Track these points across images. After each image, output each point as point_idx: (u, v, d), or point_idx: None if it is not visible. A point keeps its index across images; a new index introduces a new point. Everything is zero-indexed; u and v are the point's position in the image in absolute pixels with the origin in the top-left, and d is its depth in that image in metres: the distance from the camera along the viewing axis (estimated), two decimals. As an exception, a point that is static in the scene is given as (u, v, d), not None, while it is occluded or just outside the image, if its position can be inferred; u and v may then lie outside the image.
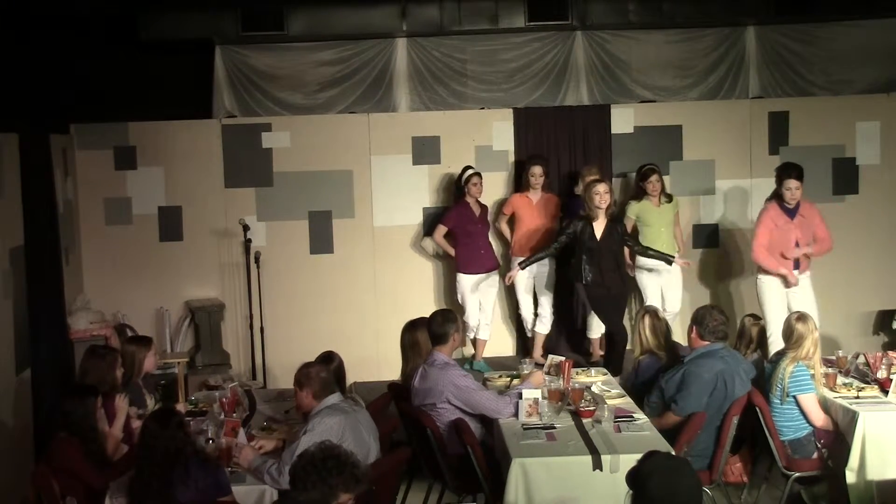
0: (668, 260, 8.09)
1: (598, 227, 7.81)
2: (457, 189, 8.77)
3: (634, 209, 8.58)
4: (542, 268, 8.68)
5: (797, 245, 7.68)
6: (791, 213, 7.68)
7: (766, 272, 7.74)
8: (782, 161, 8.89)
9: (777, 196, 7.73)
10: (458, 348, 6.17)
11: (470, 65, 9.34)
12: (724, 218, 9.20)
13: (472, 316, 8.63)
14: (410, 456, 5.44)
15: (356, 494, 3.76)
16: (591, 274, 7.85)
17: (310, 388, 5.15)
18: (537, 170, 8.64)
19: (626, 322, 8.36)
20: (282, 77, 9.26)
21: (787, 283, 7.71)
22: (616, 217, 8.04)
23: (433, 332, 5.91)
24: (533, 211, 8.69)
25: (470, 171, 8.65)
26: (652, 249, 8.08)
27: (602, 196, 7.74)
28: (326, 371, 5.28)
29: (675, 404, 5.78)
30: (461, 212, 8.63)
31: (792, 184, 7.60)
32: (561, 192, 9.09)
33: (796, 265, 7.75)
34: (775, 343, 7.06)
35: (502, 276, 8.71)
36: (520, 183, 8.88)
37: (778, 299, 7.74)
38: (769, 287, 7.77)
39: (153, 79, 9.11)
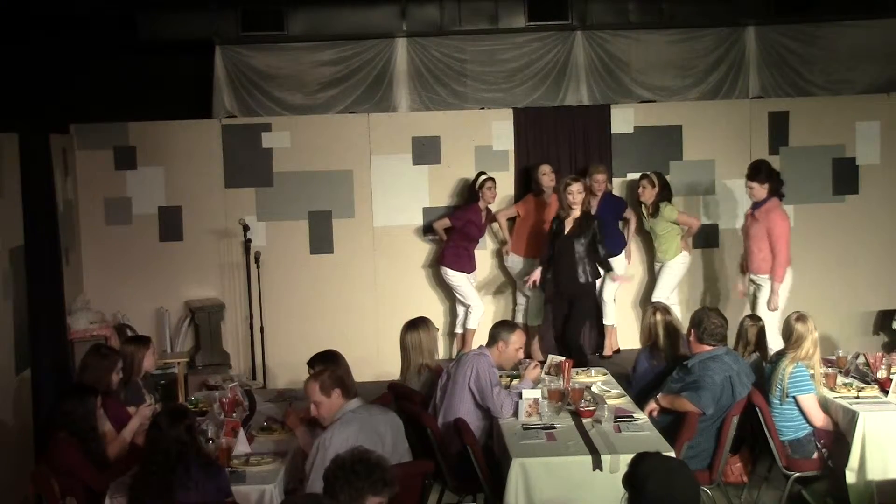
0: (605, 267, 8.15)
1: (569, 223, 7.88)
2: (470, 193, 8.74)
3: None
4: (522, 268, 8.78)
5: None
6: (753, 206, 7.81)
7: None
8: (783, 161, 8.96)
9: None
10: (514, 362, 6.18)
11: (470, 65, 9.34)
12: (724, 218, 9.20)
13: (475, 299, 8.66)
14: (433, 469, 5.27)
15: (386, 499, 3.78)
16: (553, 271, 7.95)
17: (325, 393, 5.05)
18: (547, 167, 8.71)
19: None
20: (282, 77, 9.26)
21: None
22: (589, 214, 7.98)
23: (490, 331, 6.16)
24: (541, 211, 8.73)
25: (485, 177, 8.64)
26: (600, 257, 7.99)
27: (574, 196, 7.82)
28: (336, 371, 5.21)
29: (692, 393, 5.69)
30: (471, 217, 8.63)
31: (748, 183, 7.75)
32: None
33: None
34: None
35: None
36: (527, 187, 8.91)
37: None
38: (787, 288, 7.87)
39: (153, 79, 9.12)
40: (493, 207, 8.85)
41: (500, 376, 6.66)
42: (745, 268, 7.95)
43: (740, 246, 9.12)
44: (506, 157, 9.11)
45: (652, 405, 5.88)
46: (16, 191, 7.03)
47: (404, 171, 9.05)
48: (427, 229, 9.00)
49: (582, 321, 8.11)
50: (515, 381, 6.35)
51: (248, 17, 8.79)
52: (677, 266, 8.59)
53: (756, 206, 7.75)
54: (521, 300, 8.95)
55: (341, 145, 9.03)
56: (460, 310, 8.83)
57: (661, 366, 6.34)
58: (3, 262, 6.77)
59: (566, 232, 7.87)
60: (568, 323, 7.98)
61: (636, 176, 8.83)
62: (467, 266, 8.68)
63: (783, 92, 9.37)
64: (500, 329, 6.08)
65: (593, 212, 8.43)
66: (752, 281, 7.87)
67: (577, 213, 7.84)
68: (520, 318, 8.93)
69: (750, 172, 7.74)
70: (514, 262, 8.86)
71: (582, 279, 7.83)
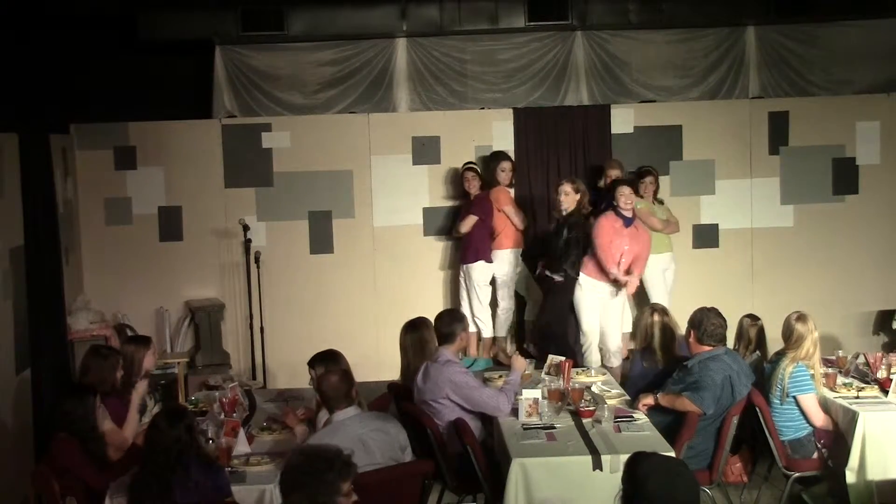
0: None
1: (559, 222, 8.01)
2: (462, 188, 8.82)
3: None
4: (506, 268, 8.73)
5: (629, 268, 7.75)
6: (627, 221, 7.74)
7: (588, 278, 7.78)
8: (782, 161, 8.95)
9: (612, 206, 7.78)
10: (464, 347, 6.19)
11: (470, 65, 9.35)
12: (724, 218, 9.19)
13: (464, 308, 8.65)
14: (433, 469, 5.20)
15: (352, 480, 3.78)
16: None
17: (324, 398, 5.08)
18: (507, 164, 8.71)
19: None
20: (282, 77, 9.27)
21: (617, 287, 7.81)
22: (569, 216, 7.89)
23: (440, 331, 5.95)
24: (511, 203, 8.75)
25: (464, 166, 8.72)
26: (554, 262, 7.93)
27: (562, 197, 7.85)
28: (338, 378, 5.12)
29: (692, 393, 5.66)
30: (464, 204, 8.76)
31: (625, 190, 7.72)
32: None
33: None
34: (593, 353, 7.68)
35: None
36: (494, 179, 8.81)
37: (593, 307, 7.84)
38: (586, 292, 7.82)
39: (153, 79, 9.12)
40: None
41: (499, 376, 6.65)
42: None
43: (740, 246, 9.17)
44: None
45: (649, 399, 5.85)
46: (16, 191, 7.03)
47: (404, 171, 9.06)
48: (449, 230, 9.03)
49: (554, 318, 7.96)
50: (501, 380, 6.28)
51: (248, 17, 8.79)
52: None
53: (630, 219, 7.72)
54: (505, 304, 8.87)
55: (341, 145, 9.03)
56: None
57: (655, 368, 6.31)
58: (3, 262, 6.77)
59: (553, 230, 8.02)
60: (540, 315, 8.07)
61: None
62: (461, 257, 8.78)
63: (783, 92, 9.38)
64: (454, 324, 5.92)
65: (602, 206, 8.46)
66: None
67: (568, 211, 7.87)
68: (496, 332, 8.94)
69: (634, 176, 7.92)
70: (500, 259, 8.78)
71: (559, 276, 7.85)
